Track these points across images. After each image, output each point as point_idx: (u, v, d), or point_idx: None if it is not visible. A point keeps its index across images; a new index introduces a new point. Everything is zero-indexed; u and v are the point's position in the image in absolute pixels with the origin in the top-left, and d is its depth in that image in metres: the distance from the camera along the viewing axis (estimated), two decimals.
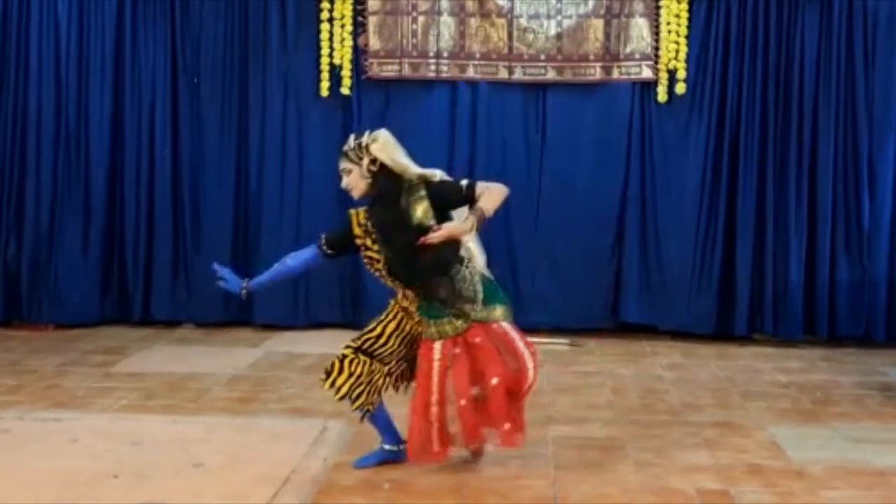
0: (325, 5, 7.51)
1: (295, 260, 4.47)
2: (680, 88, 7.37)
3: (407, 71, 7.55)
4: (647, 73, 7.43)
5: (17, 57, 7.57)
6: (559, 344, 7.21)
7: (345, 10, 7.51)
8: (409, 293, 4.23)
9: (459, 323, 4.13)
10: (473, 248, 4.28)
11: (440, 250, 4.06)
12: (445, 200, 4.12)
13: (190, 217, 7.73)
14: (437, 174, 4.18)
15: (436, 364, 4.12)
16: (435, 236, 3.99)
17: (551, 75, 7.51)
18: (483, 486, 4.15)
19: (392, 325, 4.28)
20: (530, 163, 7.56)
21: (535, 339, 7.23)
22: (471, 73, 7.54)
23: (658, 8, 7.39)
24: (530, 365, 4.15)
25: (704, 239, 7.41)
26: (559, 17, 7.47)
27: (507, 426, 4.15)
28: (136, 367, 6.38)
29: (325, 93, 7.56)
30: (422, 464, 4.22)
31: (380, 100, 7.62)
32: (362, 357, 4.25)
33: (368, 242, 4.23)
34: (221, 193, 7.73)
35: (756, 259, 7.36)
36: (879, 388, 6.09)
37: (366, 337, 4.28)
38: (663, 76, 7.40)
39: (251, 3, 7.63)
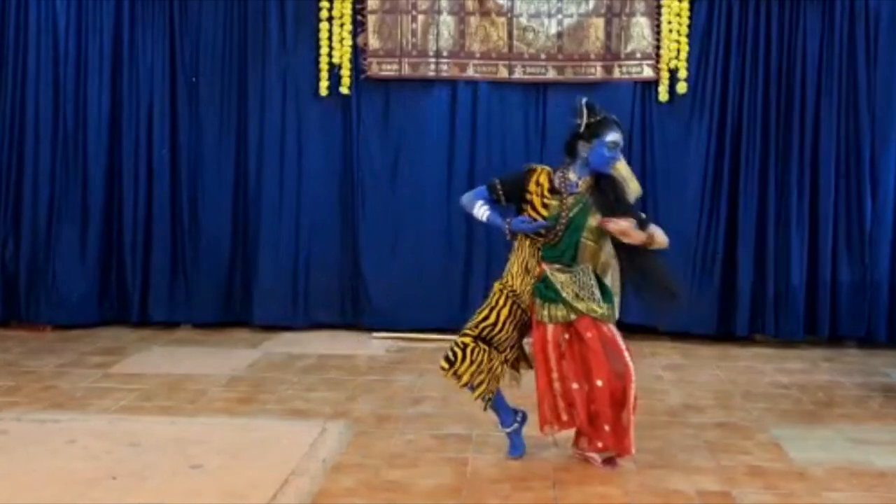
0: (325, 4, 7.49)
1: (477, 197, 4.50)
2: (681, 88, 7.35)
3: (406, 70, 7.53)
4: (648, 73, 7.41)
5: (16, 56, 7.55)
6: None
7: (344, 9, 7.49)
8: (535, 270, 4.30)
9: (570, 312, 4.23)
10: (609, 262, 4.57)
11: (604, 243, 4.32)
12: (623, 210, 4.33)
13: (188, 217, 7.71)
14: (635, 186, 4.61)
15: (549, 346, 4.27)
16: (619, 223, 4.17)
17: (552, 74, 7.49)
18: (483, 487, 4.13)
19: (505, 312, 4.35)
20: (530, 162, 7.51)
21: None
22: (471, 72, 7.52)
23: (659, 7, 7.38)
24: (632, 368, 4.24)
25: (705, 239, 7.40)
26: (560, 16, 7.45)
27: (606, 428, 4.25)
28: (134, 367, 6.36)
29: (324, 92, 7.54)
30: (553, 431, 4.37)
31: (379, 99, 7.61)
32: (482, 345, 4.34)
33: (537, 202, 4.28)
34: (220, 193, 7.71)
35: (757, 259, 7.35)
36: (881, 389, 6.08)
37: (483, 325, 4.35)
38: (664, 75, 7.38)
39: (250, 2, 7.61)
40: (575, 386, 4.26)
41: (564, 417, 4.33)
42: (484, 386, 4.36)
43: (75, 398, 5.52)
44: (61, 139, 7.58)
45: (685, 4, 7.34)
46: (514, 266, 4.39)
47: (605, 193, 4.30)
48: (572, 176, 4.32)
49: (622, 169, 4.60)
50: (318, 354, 6.82)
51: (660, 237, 4.31)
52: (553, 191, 4.30)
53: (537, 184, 4.30)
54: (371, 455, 4.52)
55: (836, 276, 7.30)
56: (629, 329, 7.52)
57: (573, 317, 4.24)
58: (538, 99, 7.56)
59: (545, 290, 4.26)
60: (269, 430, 4.90)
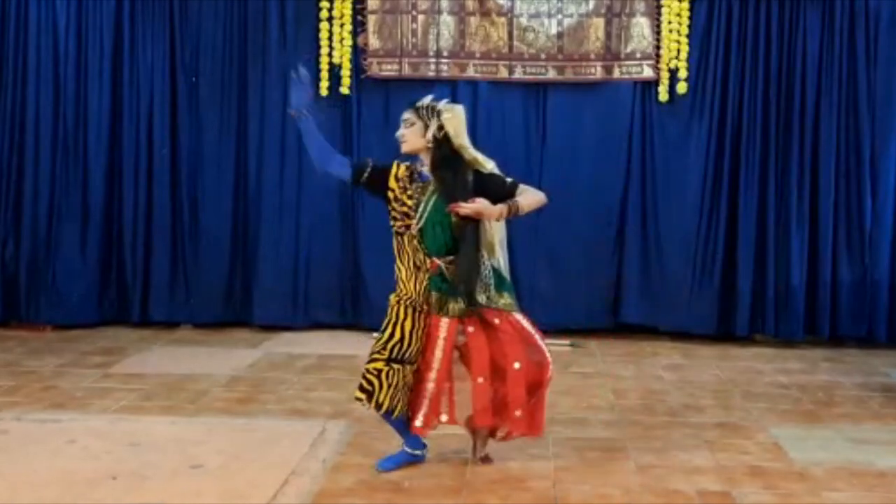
0: (325, 4, 7.49)
1: (332, 154, 4.54)
2: (681, 88, 7.35)
3: (407, 70, 7.54)
4: (648, 73, 7.41)
5: (16, 56, 7.55)
6: (560, 345, 7.18)
7: (344, 9, 7.49)
8: (426, 265, 4.25)
9: (466, 306, 4.19)
10: (497, 242, 4.37)
11: (467, 229, 4.15)
12: (488, 190, 4.17)
13: (189, 217, 7.71)
14: (490, 165, 4.29)
15: (440, 341, 4.24)
16: (467, 206, 4.05)
17: (552, 74, 7.49)
18: (483, 486, 4.13)
19: (408, 324, 4.30)
20: (530, 162, 7.54)
21: None
22: (471, 72, 7.52)
23: (659, 7, 7.38)
24: (549, 358, 4.25)
25: (705, 239, 7.39)
26: (560, 16, 7.45)
27: (517, 413, 4.22)
28: (134, 367, 6.36)
29: (324, 92, 7.54)
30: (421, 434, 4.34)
31: (379, 99, 7.61)
32: (394, 366, 4.25)
33: (403, 197, 4.25)
34: (220, 193, 7.71)
35: (757, 259, 7.35)
36: (881, 388, 6.08)
37: (390, 345, 4.27)
38: (664, 75, 7.38)
39: (250, 2, 7.61)
40: (480, 380, 4.22)
41: (444, 417, 4.33)
42: (401, 403, 4.28)
43: (75, 398, 5.52)
44: (61, 139, 7.58)
45: (685, 4, 7.34)
46: (402, 272, 4.34)
47: (444, 177, 4.19)
48: (421, 167, 4.28)
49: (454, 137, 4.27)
50: (319, 354, 6.82)
51: (531, 199, 4.21)
52: (412, 181, 4.26)
53: (397, 179, 4.27)
54: (371, 455, 4.51)
55: (837, 275, 7.30)
56: (629, 329, 7.58)
57: (469, 309, 4.19)
58: (538, 99, 7.56)
59: (441, 283, 4.23)
60: (270, 430, 4.90)
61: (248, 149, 7.68)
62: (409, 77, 7.54)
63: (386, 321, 4.35)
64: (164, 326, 7.68)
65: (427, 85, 7.56)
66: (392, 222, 4.33)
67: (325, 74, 7.52)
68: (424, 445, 4.41)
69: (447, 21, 7.50)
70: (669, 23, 7.36)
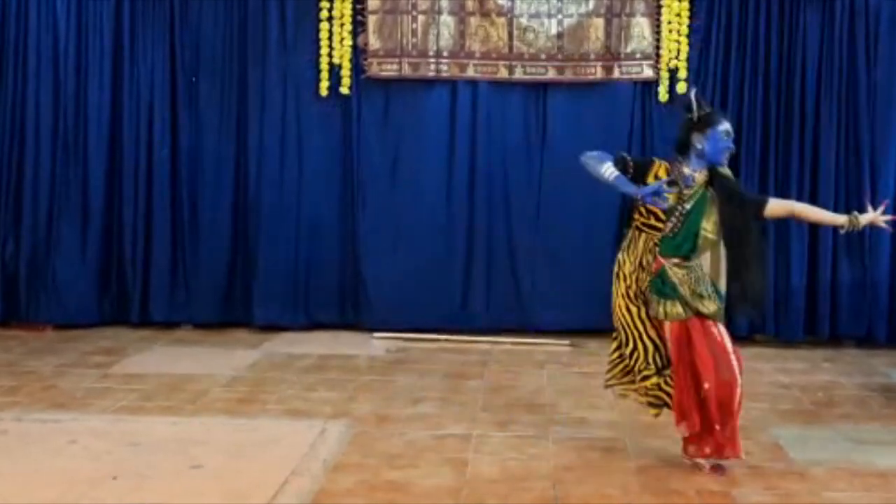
0: (325, 4, 7.49)
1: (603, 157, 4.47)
2: (681, 88, 7.34)
3: (407, 70, 7.54)
4: (648, 73, 7.41)
5: (16, 56, 7.55)
6: (560, 345, 7.19)
7: (344, 9, 7.50)
8: (659, 261, 4.28)
9: (686, 309, 4.22)
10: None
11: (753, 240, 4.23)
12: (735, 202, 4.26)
13: (188, 217, 7.70)
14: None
15: (670, 343, 4.30)
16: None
17: (552, 74, 7.49)
18: (483, 487, 4.13)
19: (653, 331, 4.41)
20: (530, 162, 7.54)
21: (536, 340, 7.30)
22: (471, 72, 7.52)
23: (659, 7, 7.38)
24: (741, 380, 4.22)
25: None
26: (560, 17, 7.45)
27: (717, 428, 4.22)
28: (134, 368, 6.36)
29: (324, 92, 7.54)
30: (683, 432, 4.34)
31: (379, 99, 7.61)
32: (666, 373, 4.37)
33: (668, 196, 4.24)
34: (220, 193, 7.71)
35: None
36: (881, 389, 6.08)
37: (650, 358, 4.40)
38: (664, 75, 7.38)
39: (250, 2, 7.61)
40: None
41: (696, 418, 4.28)
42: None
43: (76, 398, 5.52)
44: (62, 139, 7.58)
45: (685, 4, 7.34)
46: (627, 265, 4.46)
47: (724, 185, 4.23)
48: (687, 170, 4.25)
49: None
50: (319, 354, 6.82)
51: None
52: (671, 184, 4.26)
53: (656, 177, 4.29)
54: (371, 455, 4.52)
55: (836, 276, 7.31)
56: None
57: (688, 314, 4.22)
58: (538, 99, 7.55)
59: (662, 286, 4.26)
60: (270, 430, 4.90)
61: (247, 149, 7.68)
62: (409, 77, 7.54)
63: (628, 337, 4.49)
64: (164, 326, 7.67)
65: (427, 85, 7.60)
66: (637, 216, 4.40)
67: (325, 74, 7.52)
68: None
69: (447, 21, 7.50)
70: (669, 23, 7.36)
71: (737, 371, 4.19)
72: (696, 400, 4.23)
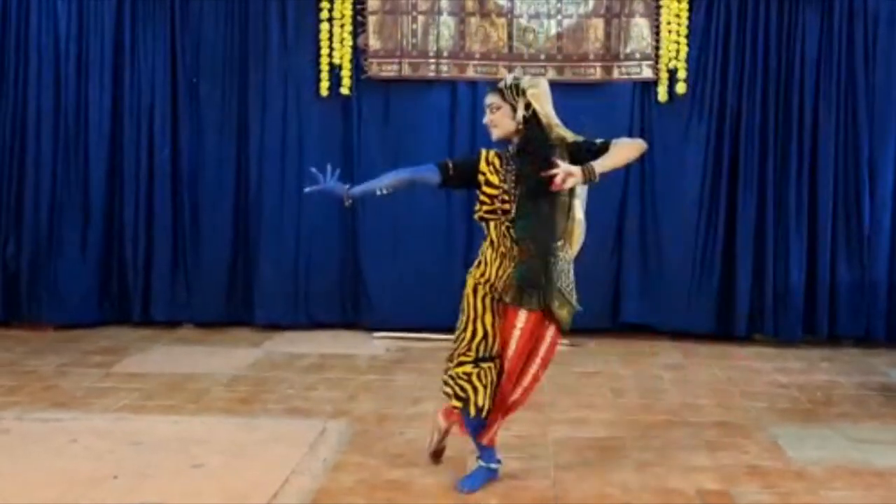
0: (325, 5, 7.50)
1: (407, 171, 4.15)
2: (680, 88, 7.36)
3: (407, 71, 7.55)
4: (647, 73, 7.42)
5: (17, 56, 7.56)
6: (560, 344, 7.19)
7: (344, 9, 7.51)
8: (513, 252, 3.96)
9: (540, 302, 3.96)
10: (579, 217, 4.08)
11: (557, 207, 3.95)
12: (581, 157, 3.92)
13: (189, 217, 7.72)
14: (579, 138, 4.04)
15: (516, 332, 4.00)
16: (558, 171, 3.72)
17: (551, 75, 7.47)
18: (483, 486, 4.14)
19: (489, 318, 4.01)
20: None
21: None
22: (471, 72, 7.54)
23: (658, 7, 7.39)
24: (526, 397, 4.14)
25: (705, 239, 7.41)
26: (559, 17, 7.47)
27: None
28: (135, 367, 6.38)
29: (324, 93, 7.55)
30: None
31: (379, 100, 7.62)
32: (483, 365, 4.01)
33: (494, 180, 3.98)
34: (221, 193, 7.72)
35: (756, 259, 7.36)
36: (880, 388, 6.09)
37: (475, 344, 4.01)
38: (663, 76, 7.40)
39: (251, 3, 7.62)
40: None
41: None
42: (490, 402, 4.04)
43: (77, 397, 5.54)
44: (63, 139, 7.59)
45: (684, 5, 7.36)
46: (488, 253, 4.04)
47: (526, 152, 3.97)
48: (511, 150, 4.03)
49: (555, 129, 4.11)
50: (319, 354, 6.84)
51: (616, 155, 3.97)
52: (503, 164, 4.01)
53: (488, 163, 4.01)
54: (371, 454, 4.53)
55: (835, 275, 7.32)
56: (629, 329, 7.59)
57: (538, 306, 3.97)
58: None
59: (525, 274, 3.94)
60: (271, 429, 4.92)
61: (248, 149, 7.69)
62: (409, 77, 7.55)
63: (464, 319, 4.04)
64: (165, 326, 7.69)
65: (427, 85, 7.61)
66: (478, 207, 4.03)
67: (325, 75, 7.53)
68: (500, 460, 4.22)
69: (447, 21, 7.51)
70: (668, 23, 7.37)
71: (529, 385, 4.08)
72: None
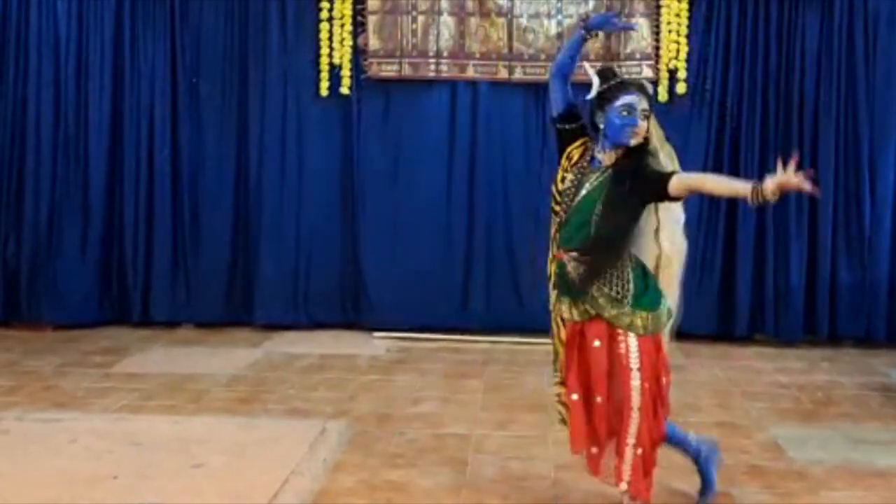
0: (325, 5, 7.50)
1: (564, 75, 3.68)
2: (680, 88, 7.36)
3: (407, 71, 7.54)
4: (647, 73, 7.41)
5: (17, 56, 7.55)
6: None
7: (344, 9, 7.50)
8: (559, 254, 3.63)
9: (583, 310, 3.58)
10: (666, 248, 3.70)
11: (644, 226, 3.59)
12: (643, 178, 3.52)
13: (189, 217, 7.71)
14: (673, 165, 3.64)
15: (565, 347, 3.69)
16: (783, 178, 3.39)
17: None
18: (483, 486, 4.14)
19: (563, 334, 3.71)
20: (530, 163, 7.54)
21: (536, 340, 7.29)
22: (471, 72, 7.53)
23: (658, 7, 7.39)
24: (635, 414, 3.50)
25: (705, 239, 7.40)
26: (559, 17, 7.46)
27: (594, 450, 3.69)
28: (135, 367, 6.37)
29: (324, 93, 7.55)
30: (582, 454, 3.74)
31: (380, 100, 7.61)
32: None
33: (567, 174, 3.62)
34: (221, 193, 7.71)
35: (757, 259, 7.36)
36: (880, 388, 6.09)
37: (559, 365, 3.76)
38: (664, 76, 7.39)
39: (251, 3, 7.62)
40: (574, 398, 3.63)
41: (594, 450, 3.68)
42: None
43: (77, 397, 5.53)
44: (62, 139, 7.58)
45: (684, 5, 7.35)
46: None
47: (624, 166, 3.54)
48: (597, 153, 3.61)
49: (654, 137, 3.66)
50: (319, 354, 6.83)
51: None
52: (580, 160, 3.64)
53: (568, 158, 3.66)
54: (371, 455, 4.53)
55: (836, 275, 7.31)
56: None
57: (584, 314, 3.57)
58: (538, 99, 7.54)
59: (559, 281, 3.63)
60: (270, 429, 4.91)
61: (248, 149, 7.69)
62: (409, 77, 7.55)
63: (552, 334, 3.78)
64: (165, 326, 7.68)
65: (427, 85, 7.60)
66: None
67: (325, 75, 7.53)
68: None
69: (447, 21, 7.51)
70: (669, 23, 7.36)
71: (633, 401, 3.49)
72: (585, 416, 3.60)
